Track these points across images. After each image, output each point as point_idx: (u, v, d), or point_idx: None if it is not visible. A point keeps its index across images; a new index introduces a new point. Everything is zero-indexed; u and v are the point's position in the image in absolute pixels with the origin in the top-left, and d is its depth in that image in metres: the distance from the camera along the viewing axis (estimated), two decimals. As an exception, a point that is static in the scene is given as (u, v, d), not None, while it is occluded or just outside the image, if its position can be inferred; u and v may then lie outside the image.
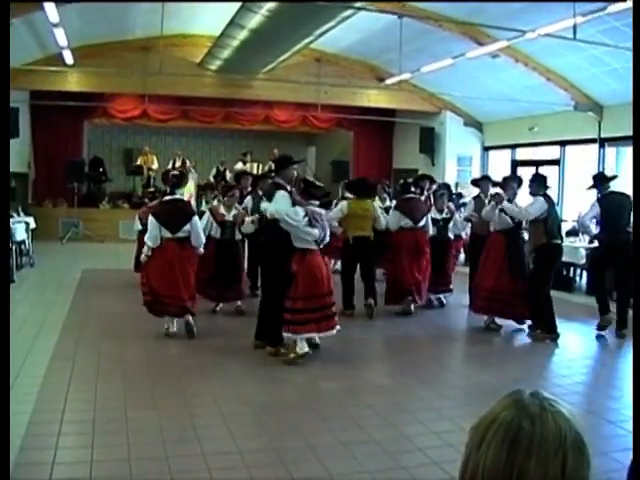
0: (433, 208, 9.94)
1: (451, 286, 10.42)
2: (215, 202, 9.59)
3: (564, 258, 10.69)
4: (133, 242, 10.87)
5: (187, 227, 7.54)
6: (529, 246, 8.27)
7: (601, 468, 3.94)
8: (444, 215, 9.92)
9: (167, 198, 7.86)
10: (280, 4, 9.65)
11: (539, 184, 8.12)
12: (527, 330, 8.29)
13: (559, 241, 8.18)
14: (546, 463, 1.12)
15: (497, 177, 10.79)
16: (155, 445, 4.52)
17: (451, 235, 10.09)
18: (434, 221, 9.76)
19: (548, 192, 8.18)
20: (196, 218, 7.76)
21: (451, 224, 9.98)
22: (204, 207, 10.42)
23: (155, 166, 18.92)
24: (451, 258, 10.27)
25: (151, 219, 7.61)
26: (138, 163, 19.16)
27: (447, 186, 12.52)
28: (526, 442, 1.13)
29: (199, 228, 7.75)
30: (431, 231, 9.56)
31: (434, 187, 11.00)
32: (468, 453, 1.19)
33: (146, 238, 7.64)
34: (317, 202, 7.05)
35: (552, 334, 7.92)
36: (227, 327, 8.44)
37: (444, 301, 10.18)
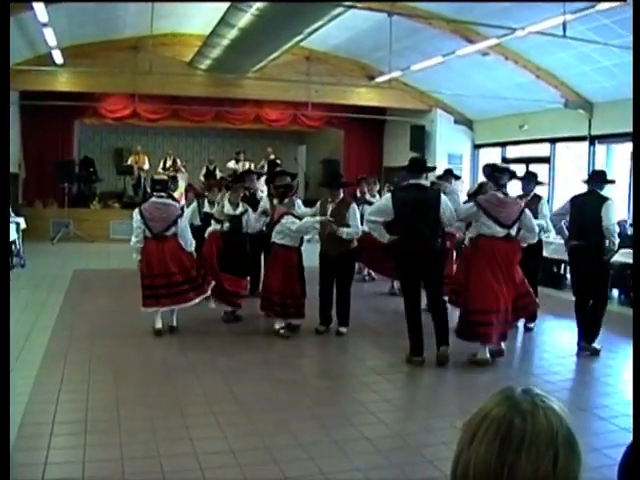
0: None
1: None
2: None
3: (555, 255, 10.79)
4: (124, 242, 10.84)
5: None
6: None
7: (593, 464, 3.94)
8: None
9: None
10: (270, 3, 9.63)
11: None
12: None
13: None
14: (537, 459, 1.12)
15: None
16: (147, 444, 4.52)
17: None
18: None
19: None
20: None
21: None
22: (207, 208, 9.24)
23: (146, 166, 18.75)
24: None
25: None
26: (129, 163, 19.04)
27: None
28: (517, 438, 1.13)
29: None
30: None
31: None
32: (460, 449, 1.19)
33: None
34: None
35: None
36: (217, 326, 8.37)
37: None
